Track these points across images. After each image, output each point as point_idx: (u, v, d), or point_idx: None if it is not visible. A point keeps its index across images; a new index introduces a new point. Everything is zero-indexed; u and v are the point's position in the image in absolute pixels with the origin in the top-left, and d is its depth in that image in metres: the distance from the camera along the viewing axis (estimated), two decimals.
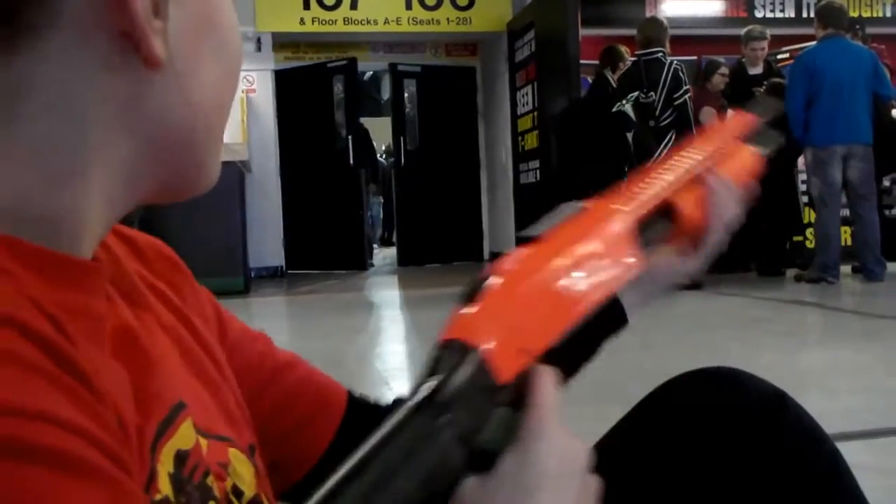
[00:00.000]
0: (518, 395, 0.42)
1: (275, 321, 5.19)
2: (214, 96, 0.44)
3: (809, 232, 6.84)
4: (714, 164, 0.55)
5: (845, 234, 6.38)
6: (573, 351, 0.46)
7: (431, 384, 0.38)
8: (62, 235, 0.40)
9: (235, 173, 6.03)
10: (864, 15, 7.98)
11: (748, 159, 0.56)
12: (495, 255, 0.46)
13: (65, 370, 0.32)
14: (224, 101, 0.45)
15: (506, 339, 0.41)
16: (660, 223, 0.56)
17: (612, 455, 0.80)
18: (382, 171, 12.75)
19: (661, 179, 0.55)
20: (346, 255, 8.61)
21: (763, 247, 6.48)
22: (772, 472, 0.73)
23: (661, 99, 5.68)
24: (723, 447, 0.74)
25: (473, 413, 0.39)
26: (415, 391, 0.38)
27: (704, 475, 0.73)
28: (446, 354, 0.40)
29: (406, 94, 9.22)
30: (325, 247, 8.64)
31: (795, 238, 6.91)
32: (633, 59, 5.98)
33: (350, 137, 8.52)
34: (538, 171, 7.96)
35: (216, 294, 0.64)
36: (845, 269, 5.98)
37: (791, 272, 6.22)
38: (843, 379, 2.86)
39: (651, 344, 3.65)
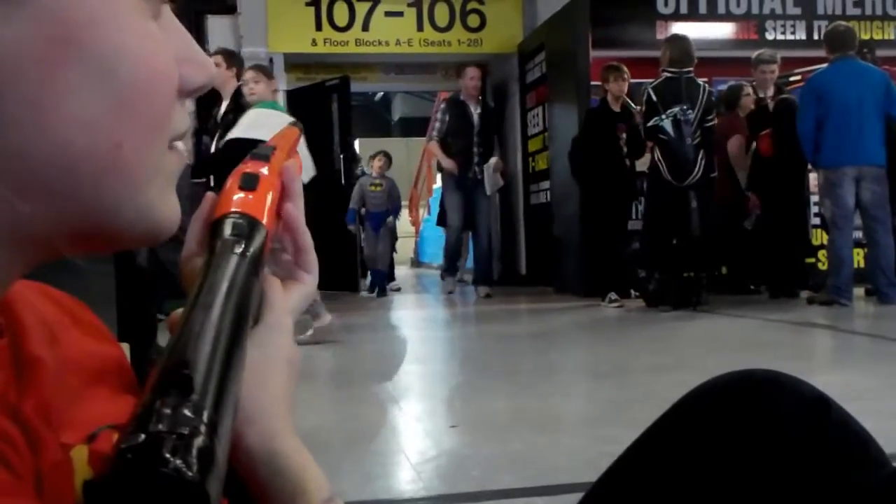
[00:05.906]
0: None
1: None
2: (98, 133, 0.37)
3: (822, 254, 6.80)
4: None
5: (858, 257, 6.34)
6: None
7: (241, 242, 0.49)
8: None
9: None
10: (875, 37, 7.97)
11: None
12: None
13: None
14: (123, 139, 0.38)
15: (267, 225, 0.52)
16: None
17: (643, 463, 0.78)
18: None
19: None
20: (337, 276, 8.25)
21: (774, 269, 6.44)
22: (818, 481, 0.70)
23: (697, 119, 5.65)
24: (763, 455, 0.71)
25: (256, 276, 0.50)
26: (225, 243, 0.49)
27: (743, 484, 0.71)
28: (244, 223, 0.50)
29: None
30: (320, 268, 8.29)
31: (807, 260, 6.86)
32: (669, 74, 5.84)
33: (342, 157, 8.37)
34: (548, 192, 7.96)
35: None
36: (858, 291, 5.94)
37: (804, 294, 6.18)
38: (855, 402, 2.80)
39: (660, 366, 3.62)
